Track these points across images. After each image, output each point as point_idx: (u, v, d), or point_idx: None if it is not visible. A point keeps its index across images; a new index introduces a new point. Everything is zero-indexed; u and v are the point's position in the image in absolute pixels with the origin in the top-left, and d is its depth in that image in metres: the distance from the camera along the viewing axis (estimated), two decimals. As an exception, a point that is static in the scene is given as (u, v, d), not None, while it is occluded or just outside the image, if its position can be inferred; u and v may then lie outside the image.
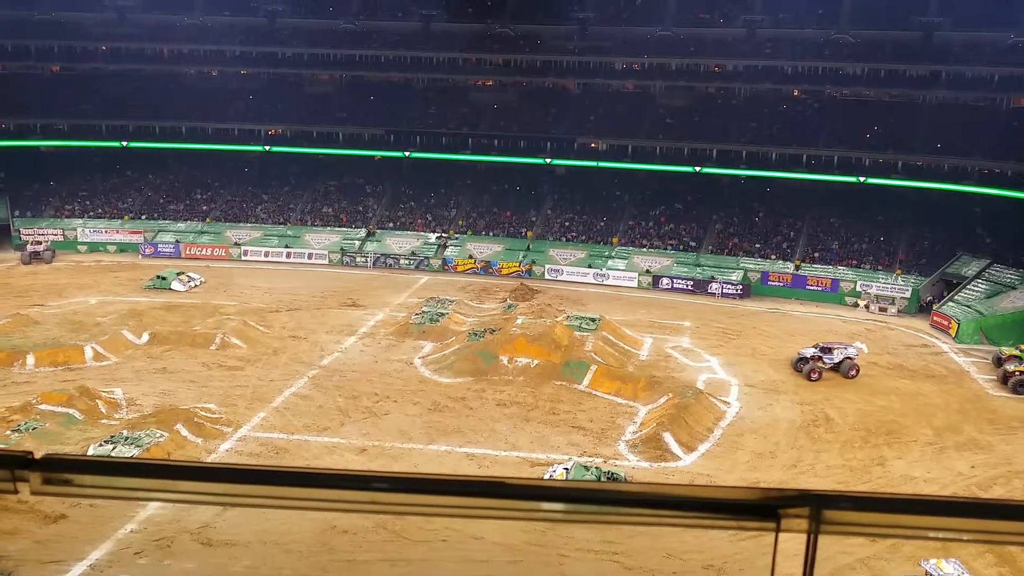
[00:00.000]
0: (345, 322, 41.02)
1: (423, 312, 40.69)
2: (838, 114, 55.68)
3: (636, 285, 50.94)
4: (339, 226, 57.71)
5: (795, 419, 30.62)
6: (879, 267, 49.80)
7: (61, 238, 55.63)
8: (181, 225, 57.89)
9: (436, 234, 56.50)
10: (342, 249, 55.22)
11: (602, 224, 56.17)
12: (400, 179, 60.78)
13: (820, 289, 48.94)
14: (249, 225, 57.78)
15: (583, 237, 55.47)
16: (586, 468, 24.59)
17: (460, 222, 57.66)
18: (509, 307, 43.29)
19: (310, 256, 54.91)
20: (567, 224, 56.61)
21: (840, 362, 34.63)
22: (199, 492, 1.72)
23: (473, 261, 53.71)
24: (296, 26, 61.81)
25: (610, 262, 52.84)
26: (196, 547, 20.37)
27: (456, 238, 56.03)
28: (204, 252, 54.99)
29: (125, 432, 25.61)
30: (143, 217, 58.59)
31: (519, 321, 37.89)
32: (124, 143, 59.78)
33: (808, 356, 35.00)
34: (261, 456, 26.51)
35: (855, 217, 52.88)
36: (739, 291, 49.06)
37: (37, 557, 19.73)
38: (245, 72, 63.37)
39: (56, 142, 60.88)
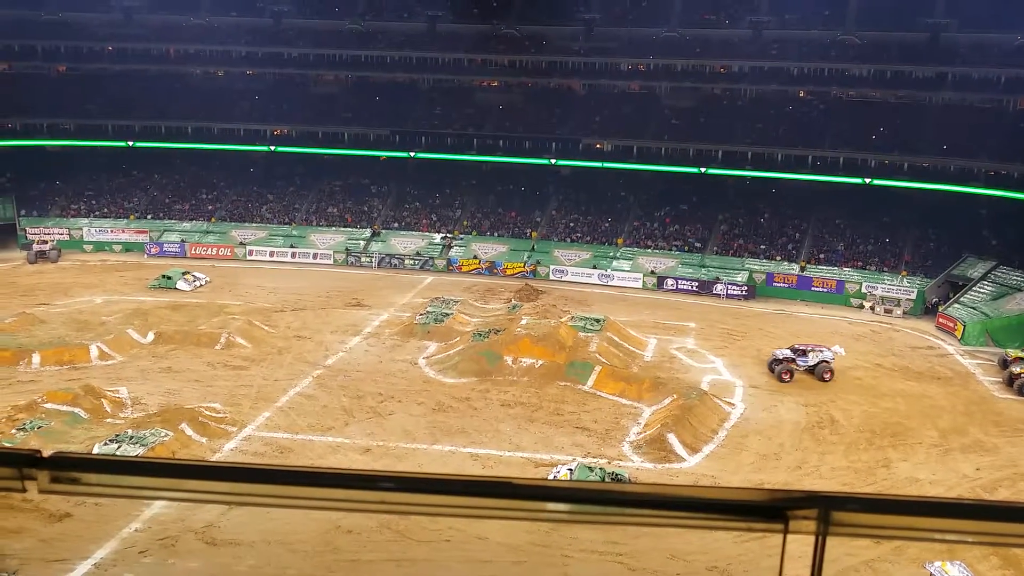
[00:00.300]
0: (350, 322, 41.06)
1: (428, 312, 40.70)
2: (844, 115, 55.57)
3: (641, 286, 50.90)
4: (344, 226, 57.78)
5: (800, 421, 30.57)
6: (885, 268, 49.70)
7: (67, 237, 55.77)
8: (186, 225, 58.01)
9: (441, 234, 56.53)
10: (347, 249, 55.28)
11: (607, 225, 56.14)
12: (405, 179, 60.83)
13: (825, 290, 48.85)
14: (254, 225, 57.88)
15: (588, 238, 55.44)
16: (590, 469, 24.57)
17: (465, 222, 57.69)
18: (514, 307, 43.28)
19: (315, 256, 54.98)
20: (572, 225, 56.60)
21: (815, 365, 34.40)
22: (206, 491, 1.72)
23: (478, 261, 53.72)
24: (302, 26, 61.90)
25: (615, 263, 52.81)
26: (200, 546, 20.40)
27: (461, 238, 56.05)
28: (209, 252, 55.09)
29: (130, 431, 25.66)
30: (149, 217, 58.74)
31: (523, 322, 37.89)
32: (130, 143, 59.95)
33: (781, 358, 34.85)
34: (265, 456, 26.54)
35: (861, 218, 52.78)
36: (744, 292, 49.00)
37: (42, 556, 19.77)
38: (251, 72, 63.48)
39: (62, 142, 61.02)
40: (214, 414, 28.57)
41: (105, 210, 58.98)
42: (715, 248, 53.58)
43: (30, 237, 54.91)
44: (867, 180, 51.60)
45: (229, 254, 55.05)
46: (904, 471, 26.79)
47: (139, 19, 61.99)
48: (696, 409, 29.67)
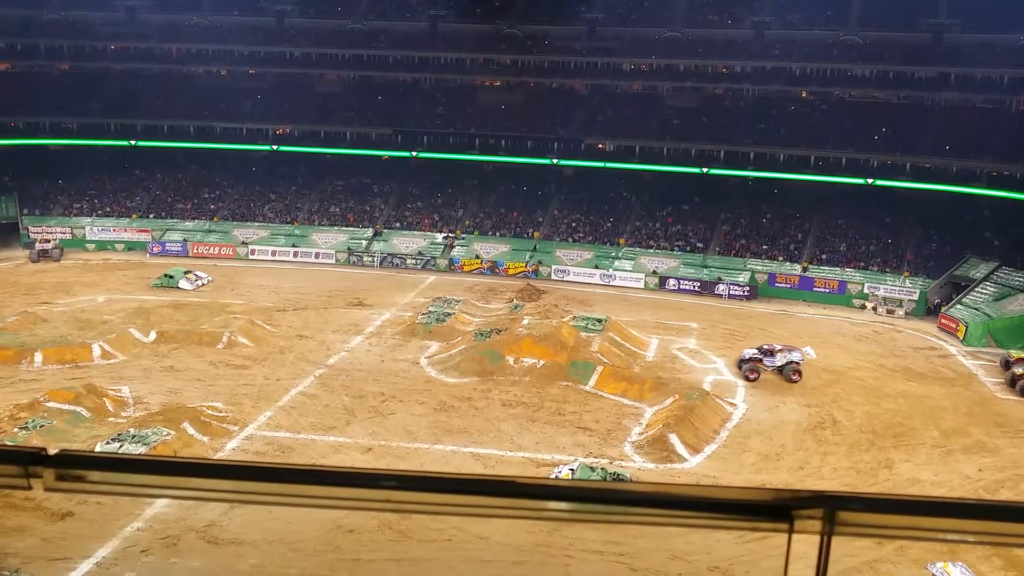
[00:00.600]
0: (352, 321, 41.07)
1: (429, 312, 40.70)
2: (846, 116, 55.53)
3: (643, 286, 50.89)
4: (346, 226, 57.80)
5: (802, 421, 30.55)
6: (887, 269, 49.66)
7: (69, 236, 55.82)
8: (189, 224, 58.06)
9: (443, 234, 56.54)
10: (349, 249, 55.30)
11: (609, 225, 56.13)
12: (407, 179, 60.84)
13: (827, 291, 48.82)
14: (256, 224, 57.91)
15: (590, 238, 55.43)
16: (592, 469, 24.57)
17: (467, 222, 57.69)
18: (515, 307, 43.27)
19: (317, 255, 55.01)
20: (574, 225, 56.59)
21: (783, 365, 34.28)
22: (210, 489, 1.72)
23: (480, 261, 53.73)
24: (304, 26, 61.95)
25: (617, 263, 52.79)
26: (202, 545, 20.42)
27: (463, 238, 56.05)
28: (211, 251, 55.13)
29: (132, 430, 25.68)
30: (151, 216, 58.79)
31: (525, 321, 37.89)
32: (132, 142, 60.02)
33: (748, 357, 34.79)
34: (267, 455, 26.56)
35: (863, 219, 52.74)
36: (746, 292, 48.97)
37: (44, 554, 19.79)
38: (253, 72, 63.50)
39: (65, 141, 61.08)
40: (216, 413, 28.58)
41: (107, 209, 59.05)
42: (717, 248, 53.55)
43: (32, 236, 54.95)
44: (869, 180, 51.56)
45: (231, 253, 55.09)
46: (906, 472, 26.76)
47: (142, 18, 62.04)
48: (698, 409, 29.66)
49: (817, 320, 45.14)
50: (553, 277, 52.04)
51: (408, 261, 54.26)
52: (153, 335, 36.67)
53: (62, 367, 32.82)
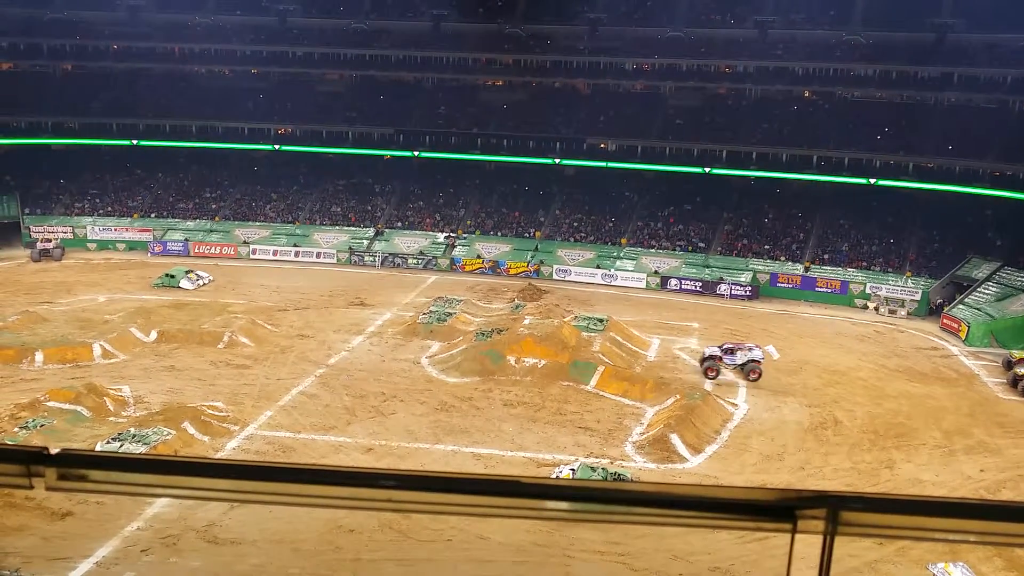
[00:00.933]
0: (353, 321, 41.08)
1: (431, 312, 40.70)
2: (849, 115, 55.48)
3: (644, 286, 50.87)
4: (348, 225, 57.82)
5: (803, 421, 30.53)
6: (889, 269, 49.64)
7: (71, 236, 55.87)
8: (190, 223, 58.09)
9: (444, 234, 56.55)
10: (350, 248, 55.32)
11: (611, 225, 56.12)
12: (409, 179, 60.85)
13: (829, 291, 48.79)
14: (258, 224, 57.95)
15: (591, 238, 55.42)
16: (593, 469, 24.56)
17: (468, 222, 57.69)
18: (517, 307, 43.27)
19: (318, 255, 55.02)
20: (575, 224, 56.58)
21: (744, 363, 34.32)
22: (212, 488, 1.71)
23: (481, 261, 53.73)
24: (307, 25, 61.98)
25: (618, 263, 52.78)
26: (203, 545, 20.42)
27: (464, 238, 56.05)
28: (213, 251, 55.16)
29: (132, 430, 25.68)
30: (152, 215, 58.83)
31: (527, 321, 37.90)
32: (134, 141, 60.06)
33: (708, 355, 34.84)
34: (268, 455, 26.57)
35: (865, 219, 52.72)
36: (748, 292, 48.95)
37: (44, 554, 19.80)
38: (255, 71, 63.54)
39: (67, 140, 61.12)
40: (216, 413, 28.59)
41: (109, 208, 59.09)
42: (719, 248, 53.53)
43: (34, 235, 55.01)
44: (872, 180, 51.51)
45: (232, 253, 55.13)
46: (908, 472, 26.74)
47: (144, 18, 62.10)
48: (699, 409, 29.64)
49: (819, 320, 45.12)
50: (555, 277, 52.04)
51: (409, 261, 54.27)
52: (154, 335, 36.68)
53: (63, 366, 32.83)
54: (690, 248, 53.66)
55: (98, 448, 24.31)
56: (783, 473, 26.35)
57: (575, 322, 38.03)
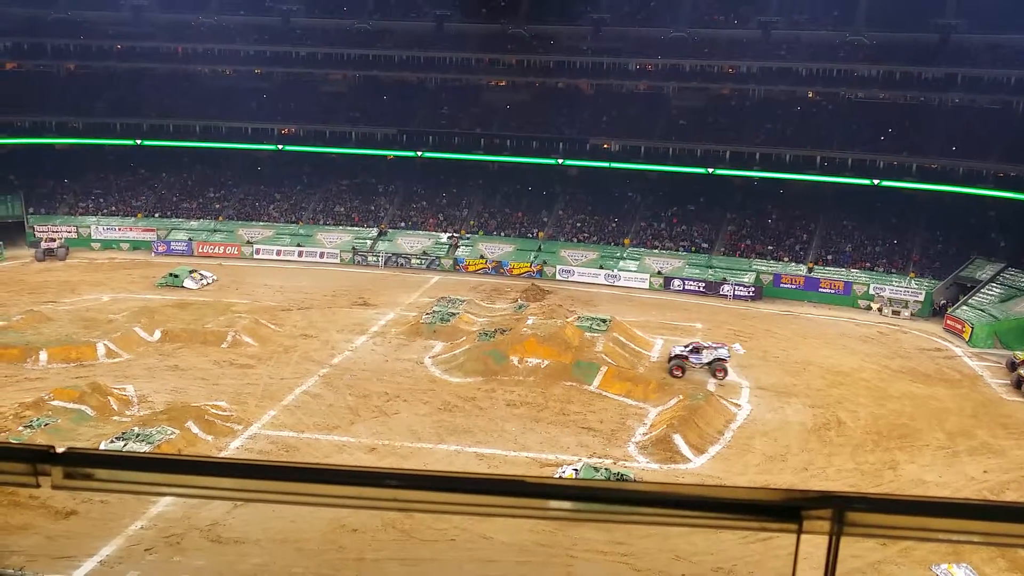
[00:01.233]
0: (356, 321, 41.10)
1: (434, 312, 40.72)
2: (852, 116, 55.42)
3: (647, 286, 50.85)
4: (351, 225, 57.87)
5: (806, 422, 30.50)
6: (893, 270, 49.58)
7: (75, 235, 55.99)
8: (194, 223, 58.16)
9: (448, 234, 56.57)
10: (354, 248, 55.36)
11: (614, 225, 56.11)
12: (412, 179, 60.87)
13: (833, 292, 48.75)
14: (261, 224, 58.01)
15: (595, 238, 55.42)
16: (596, 469, 24.55)
17: (472, 222, 57.71)
18: (520, 307, 43.27)
19: (322, 255, 55.07)
20: (579, 225, 56.58)
21: (710, 362, 34.38)
22: (217, 487, 1.72)
23: (484, 261, 53.75)
24: (310, 26, 62.04)
25: (621, 263, 52.77)
26: (206, 544, 20.44)
27: (467, 238, 56.07)
28: (216, 250, 55.24)
29: (136, 429, 25.72)
30: (156, 215, 58.91)
31: (530, 321, 37.89)
32: (138, 141, 60.16)
33: (675, 354, 34.95)
34: (271, 454, 26.60)
35: (869, 220, 52.65)
36: (751, 293, 48.92)
37: (48, 553, 19.84)
38: (259, 71, 63.61)
39: (71, 140, 61.24)
40: (220, 412, 28.62)
41: (113, 208, 59.19)
42: (722, 249, 53.49)
43: (38, 235, 55.16)
44: (875, 181, 51.44)
45: (236, 253, 55.20)
46: (911, 473, 26.71)
47: (148, 18, 62.19)
48: (702, 410, 29.63)
49: (822, 321, 45.07)
50: (558, 277, 52.03)
51: (413, 261, 54.30)
52: (158, 334, 36.73)
53: (67, 366, 32.89)
54: (693, 249, 53.62)
55: (102, 447, 24.35)
56: (786, 474, 26.32)
57: (578, 322, 38.04)
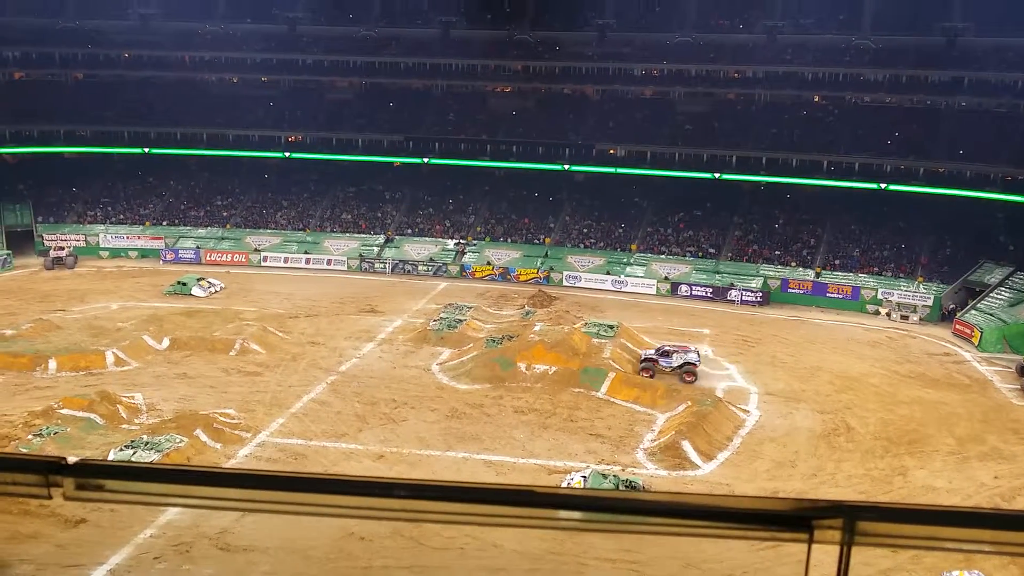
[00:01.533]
0: (363, 328, 41.14)
1: (441, 318, 40.73)
2: (859, 120, 55.34)
3: (655, 292, 50.79)
4: (358, 232, 57.97)
5: (815, 428, 30.39)
6: (901, 275, 49.42)
7: (83, 244, 56.22)
8: (202, 231, 58.33)
9: (454, 240, 56.62)
10: (361, 255, 55.44)
11: (620, 231, 56.08)
12: (419, 185, 60.98)
13: (841, 297, 48.59)
14: (269, 231, 58.17)
15: (601, 244, 55.40)
16: (604, 476, 24.48)
17: (478, 228, 57.76)
18: (527, 314, 43.26)
19: (329, 262, 55.17)
20: (585, 231, 56.57)
21: (680, 366, 34.49)
22: (229, 498, 1.72)
23: (491, 267, 53.77)
24: (316, 33, 62.29)
25: (628, 269, 52.72)
26: (215, 552, 20.45)
27: (474, 244, 56.12)
28: (224, 258, 55.38)
29: (145, 437, 25.77)
30: (164, 223, 59.10)
31: (537, 328, 37.86)
32: (146, 150, 60.44)
33: (645, 357, 35.16)
34: (279, 462, 26.60)
35: (876, 224, 52.52)
36: (759, 298, 48.80)
37: (58, 561, 19.87)
38: (265, 79, 63.86)
39: (79, 149, 61.53)
40: (228, 420, 28.66)
41: (121, 216, 59.42)
42: (729, 254, 53.41)
43: (47, 243, 55.40)
44: (883, 185, 51.32)
45: (244, 260, 55.33)
46: (921, 479, 26.57)
47: (155, 26, 62.51)
48: (711, 416, 29.55)
49: (830, 326, 44.93)
50: (565, 283, 52.00)
51: (420, 267, 54.35)
52: (166, 342, 36.82)
53: (76, 374, 32.99)
54: (700, 254, 53.55)
55: (111, 455, 24.41)
56: (795, 480, 26.22)
57: (585, 328, 37.98)
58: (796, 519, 1.71)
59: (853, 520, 1.71)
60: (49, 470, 1.72)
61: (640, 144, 57.29)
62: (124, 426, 27.79)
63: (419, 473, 25.95)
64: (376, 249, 56.29)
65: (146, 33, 62.46)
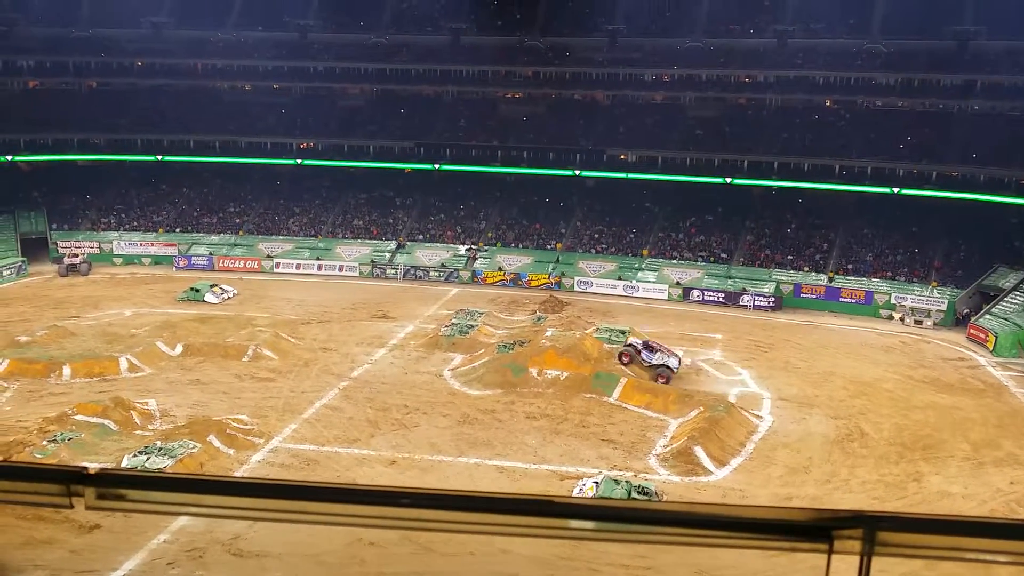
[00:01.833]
0: (375, 334, 41.20)
1: (453, 324, 40.75)
2: (871, 124, 55.11)
3: (666, 297, 50.69)
4: (369, 238, 58.11)
5: (829, 433, 30.22)
6: (914, 279, 49.14)
7: (97, 251, 56.55)
8: (214, 238, 58.60)
9: (466, 246, 56.67)
10: (372, 261, 55.57)
11: (632, 236, 56.01)
12: (430, 191, 61.10)
13: (854, 301, 48.37)
14: (281, 238, 58.38)
15: (613, 249, 55.34)
16: (616, 482, 24.41)
17: (489, 234, 57.80)
18: (538, 319, 43.25)
19: (341, 268, 55.32)
20: (596, 236, 56.52)
21: (657, 365, 34.57)
22: (249, 508, 1.73)
23: (502, 273, 53.77)
24: (327, 41, 62.52)
25: (640, 274, 52.64)
26: (228, 558, 20.49)
27: (485, 250, 56.16)
28: (237, 264, 55.62)
29: (159, 443, 25.86)
30: (177, 230, 59.40)
31: (549, 333, 37.83)
32: (159, 157, 60.77)
33: (630, 344, 35.36)
34: (292, 467, 26.65)
35: (889, 228, 52.26)
36: (771, 303, 48.63)
37: (72, 567, 19.95)
38: (277, 86, 64.14)
39: (93, 156, 61.94)
40: (241, 426, 28.73)
41: (135, 224, 59.76)
42: (741, 259, 53.26)
43: (61, 251, 55.75)
44: (895, 190, 51.09)
45: (256, 267, 55.55)
46: (936, 485, 26.37)
47: (168, 35, 62.87)
48: (723, 422, 29.43)
49: (844, 331, 44.71)
50: (576, 289, 51.97)
51: (431, 273, 54.43)
52: (180, 348, 36.98)
53: (90, 380, 33.15)
54: (712, 259, 53.42)
55: (125, 461, 24.51)
56: (809, 486, 26.08)
57: (597, 334, 37.94)
58: (816, 529, 1.71)
59: (873, 530, 1.71)
60: (71, 480, 1.73)
61: (651, 149, 57.24)
62: (138, 432, 27.90)
63: (431, 478, 25.96)
64: (388, 255, 56.40)
65: (159, 42, 62.86)
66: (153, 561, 20.29)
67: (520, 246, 56.52)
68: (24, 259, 53.88)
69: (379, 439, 28.64)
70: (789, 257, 52.54)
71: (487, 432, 29.34)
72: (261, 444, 27.79)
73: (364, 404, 31.74)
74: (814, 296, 49.25)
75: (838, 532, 1.70)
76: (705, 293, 50.19)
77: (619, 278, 52.32)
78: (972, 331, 43.35)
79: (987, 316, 43.92)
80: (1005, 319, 42.98)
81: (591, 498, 24.63)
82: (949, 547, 1.72)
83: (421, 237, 58.21)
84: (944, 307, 46.31)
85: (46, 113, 60.61)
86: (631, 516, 1.78)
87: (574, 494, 24.46)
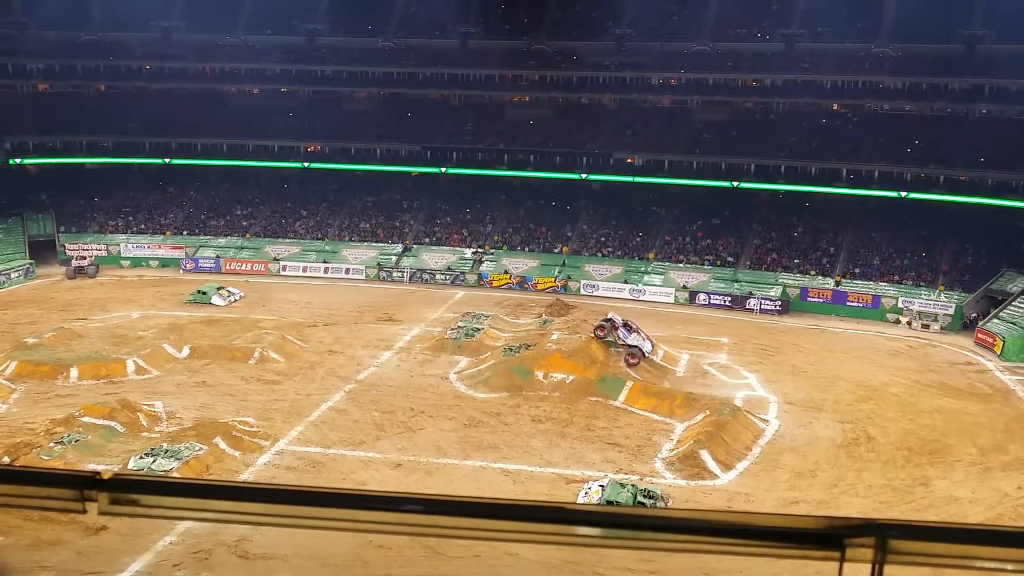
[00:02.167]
0: (381, 337, 41.23)
1: (459, 327, 40.76)
2: (878, 128, 55.02)
3: (673, 301, 50.62)
4: (376, 241, 58.18)
5: (835, 437, 30.13)
6: (921, 283, 48.98)
7: (105, 253, 56.73)
8: (221, 240, 58.74)
9: (472, 249, 56.69)
10: (379, 264, 55.63)
11: (638, 239, 55.96)
12: (436, 195, 61.14)
13: (861, 305, 48.25)
14: (288, 240, 58.48)
15: (619, 252, 55.29)
16: (622, 486, 24.38)
17: (496, 237, 57.81)
18: (544, 322, 43.20)
19: (347, 271, 55.38)
20: (603, 239, 56.49)
21: (630, 346, 34.92)
22: (264, 513, 1.73)
23: (509, 276, 53.78)
24: (335, 44, 62.66)
25: (646, 277, 52.58)
26: (234, 560, 20.52)
27: (492, 253, 56.15)
28: (244, 267, 55.73)
29: (165, 445, 25.92)
30: (184, 233, 59.56)
31: (554, 336, 37.81)
32: (167, 160, 61.03)
33: (611, 317, 35.86)
34: (297, 470, 26.67)
35: (896, 232, 52.10)
36: (778, 307, 48.52)
37: (78, 568, 19.99)
38: (285, 90, 64.30)
39: (101, 159, 62.20)
40: (247, 428, 28.77)
41: (142, 226, 59.94)
42: (748, 262, 53.15)
43: (69, 253, 55.92)
44: (903, 193, 50.97)
45: (263, 269, 55.65)
46: (943, 489, 26.27)
47: (177, 38, 63.07)
48: (729, 425, 29.37)
49: (850, 335, 44.59)
50: (582, 292, 51.93)
51: (437, 276, 54.46)
52: (186, 351, 37.04)
53: (97, 382, 33.23)
54: (718, 263, 53.33)
55: (131, 463, 24.56)
56: (815, 490, 26.00)
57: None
58: (827, 537, 1.70)
59: (885, 538, 1.70)
60: (84, 485, 1.73)
61: (658, 153, 57.22)
62: (144, 434, 27.96)
63: (436, 481, 25.95)
64: (394, 258, 56.45)
65: (168, 45, 63.07)
66: (159, 563, 20.32)
67: (526, 249, 56.53)
68: (32, 261, 54.10)
69: (385, 442, 28.65)
70: (796, 261, 52.42)
71: (493, 435, 29.33)
72: (267, 446, 27.82)
73: (370, 407, 31.75)
74: (821, 300, 49.15)
75: (850, 540, 1.69)
76: (711, 297, 50.12)
77: (625, 281, 52.27)
78: (980, 335, 43.20)
79: (995, 320, 43.75)
80: (1013, 323, 42.81)
81: (601, 504, 24.62)
82: (961, 555, 1.71)
83: (427, 240, 58.25)
84: (951, 311, 46.17)
85: (55, 116, 60.91)
86: (641, 523, 1.77)
87: (579, 497, 24.44)
